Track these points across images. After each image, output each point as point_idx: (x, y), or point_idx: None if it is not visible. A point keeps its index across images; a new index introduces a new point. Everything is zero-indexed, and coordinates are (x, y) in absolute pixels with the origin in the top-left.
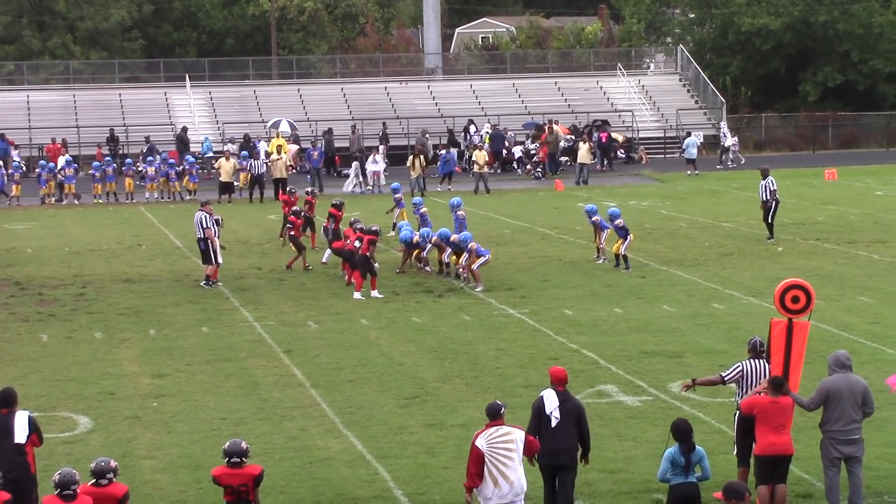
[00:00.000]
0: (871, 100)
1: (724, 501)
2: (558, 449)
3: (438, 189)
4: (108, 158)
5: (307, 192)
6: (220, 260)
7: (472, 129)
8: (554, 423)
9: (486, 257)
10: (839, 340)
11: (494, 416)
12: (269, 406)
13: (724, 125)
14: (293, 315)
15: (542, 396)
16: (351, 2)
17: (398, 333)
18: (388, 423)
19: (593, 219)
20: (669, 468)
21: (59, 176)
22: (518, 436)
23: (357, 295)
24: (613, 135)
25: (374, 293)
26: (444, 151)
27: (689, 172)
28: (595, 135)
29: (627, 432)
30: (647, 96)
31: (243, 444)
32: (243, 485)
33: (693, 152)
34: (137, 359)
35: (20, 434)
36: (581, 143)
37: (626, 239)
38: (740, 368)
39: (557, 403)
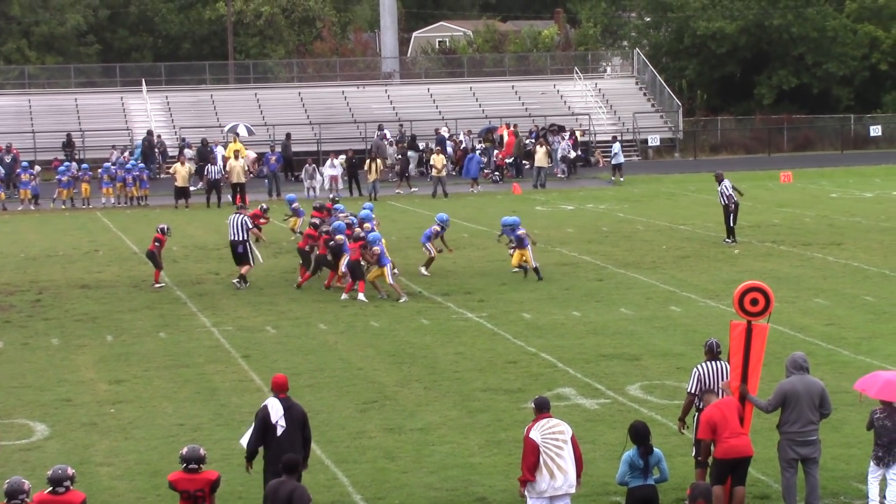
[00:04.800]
0: (826, 103)
1: (689, 503)
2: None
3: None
4: (67, 163)
5: (260, 208)
6: None
7: (388, 133)
8: (280, 431)
9: (386, 264)
10: (795, 342)
11: (543, 408)
12: (227, 412)
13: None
14: (251, 320)
15: (266, 405)
16: (308, 6)
17: (356, 338)
18: (347, 428)
19: (518, 232)
20: (628, 471)
21: None
22: (567, 428)
23: (360, 296)
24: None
25: (360, 296)
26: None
27: (612, 178)
28: (553, 139)
29: (586, 435)
30: (603, 100)
31: (201, 451)
32: (199, 490)
33: (620, 158)
34: (94, 365)
35: None
36: (538, 147)
37: (527, 248)
38: (697, 374)
39: (282, 412)
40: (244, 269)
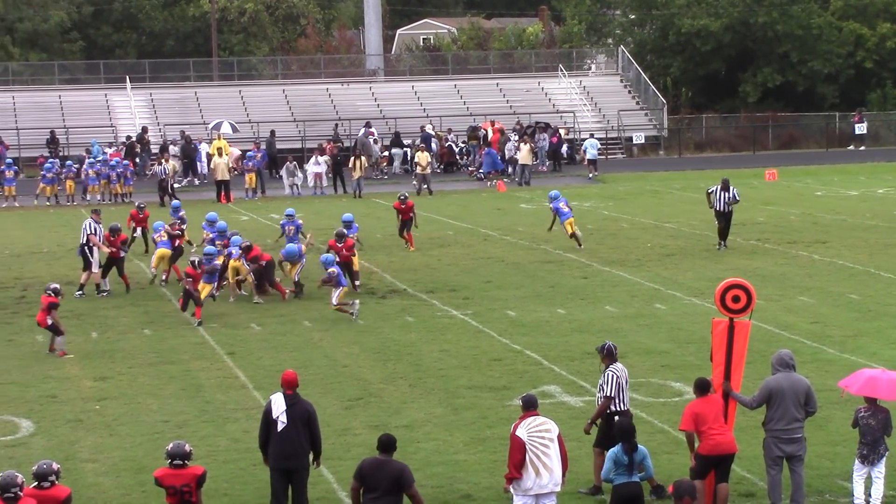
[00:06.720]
0: (811, 100)
1: (675, 500)
2: (286, 453)
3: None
4: (52, 160)
5: (138, 206)
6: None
7: (375, 131)
8: (280, 427)
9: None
10: (780, 340)
11: (531, 406)
12: (212, 408)
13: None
14: (236, 317)
15: (270, 400)
16: (292, 3)
17: (341, 335)
18: (332, 425)
19: None
20: (613, 468)
21: None
22: (553, 426)
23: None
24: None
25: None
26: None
27: (590, 175)
28: (539, 136)
29: (571, 433)
30: (588, 97)
31: (186, 447)
32: (186, 485)
33: (594, 153)
34: (79, 362)
35: None
36: (522, 144)
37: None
38: (615, 377)
39: (284, 408)
40: (83, 277)
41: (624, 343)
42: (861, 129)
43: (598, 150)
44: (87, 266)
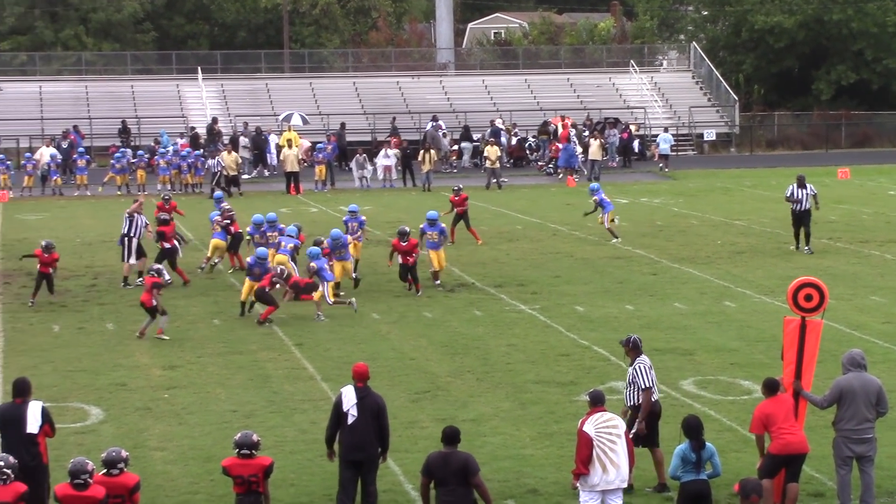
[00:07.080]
0: (885, 99)
1: (742, 499)
2: (356, 444)
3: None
4: (123, 150)
5: (163, 198)
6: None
7: (443, 124)
8: (351, 419)
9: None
10: (851, 340)
11: (598, 402)
12: (279, 399)
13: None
14: (304, 308)
15: (341, 393)
16: None
17: (409, 328)
18: (399, 418)
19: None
20: (680, 465)
21: (39, 169)
22: (621, 423)
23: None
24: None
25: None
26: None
27: (661, 167)
28: (608, 132)
29: None
30: (659, 93)
31: (254, 437)
32: (253, 475)
33: (666, 148)
34: (149, 350)
35: (33, 424)
36: (592, 140)
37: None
38: (647, 369)
39: (355, 400)
40: (139, 264)
41: (693, 340)
42: None
43: (671, 145)
44: (136, 255)
